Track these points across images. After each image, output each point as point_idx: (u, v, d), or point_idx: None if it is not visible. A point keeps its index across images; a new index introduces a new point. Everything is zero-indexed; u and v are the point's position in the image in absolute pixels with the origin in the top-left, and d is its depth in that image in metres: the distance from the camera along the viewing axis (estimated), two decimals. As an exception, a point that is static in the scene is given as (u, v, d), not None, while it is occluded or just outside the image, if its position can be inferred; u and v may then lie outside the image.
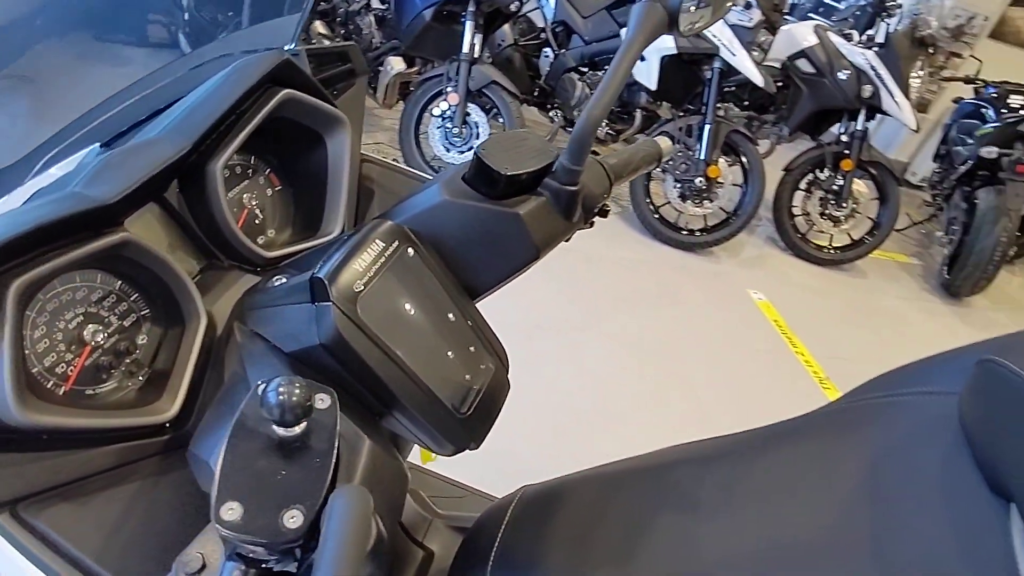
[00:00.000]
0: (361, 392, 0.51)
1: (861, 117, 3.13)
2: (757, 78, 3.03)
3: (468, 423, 0.55)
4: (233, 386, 0.49)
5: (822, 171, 3.24)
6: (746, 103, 3.45)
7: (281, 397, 0.34)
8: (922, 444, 0.53)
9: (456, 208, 0.58)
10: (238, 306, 0.59)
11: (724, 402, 2.17)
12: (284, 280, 0.56)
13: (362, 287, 0.49)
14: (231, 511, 0.33)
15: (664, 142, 0.79)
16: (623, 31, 3.05)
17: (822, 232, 3.34)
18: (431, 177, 0.80)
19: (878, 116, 3.16)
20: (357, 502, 0.31)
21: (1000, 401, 0.49)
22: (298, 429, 0.36)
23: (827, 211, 3.27)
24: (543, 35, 3.31)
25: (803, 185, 3.30)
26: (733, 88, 3.29)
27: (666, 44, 2.92)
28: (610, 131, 3.27)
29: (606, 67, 3.30)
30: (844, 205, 3.21)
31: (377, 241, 0.52)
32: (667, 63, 2.98)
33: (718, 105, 2.95)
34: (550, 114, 3.43)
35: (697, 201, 3.03)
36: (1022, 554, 0.43)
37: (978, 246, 3.18)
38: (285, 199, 0.71)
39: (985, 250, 3.17)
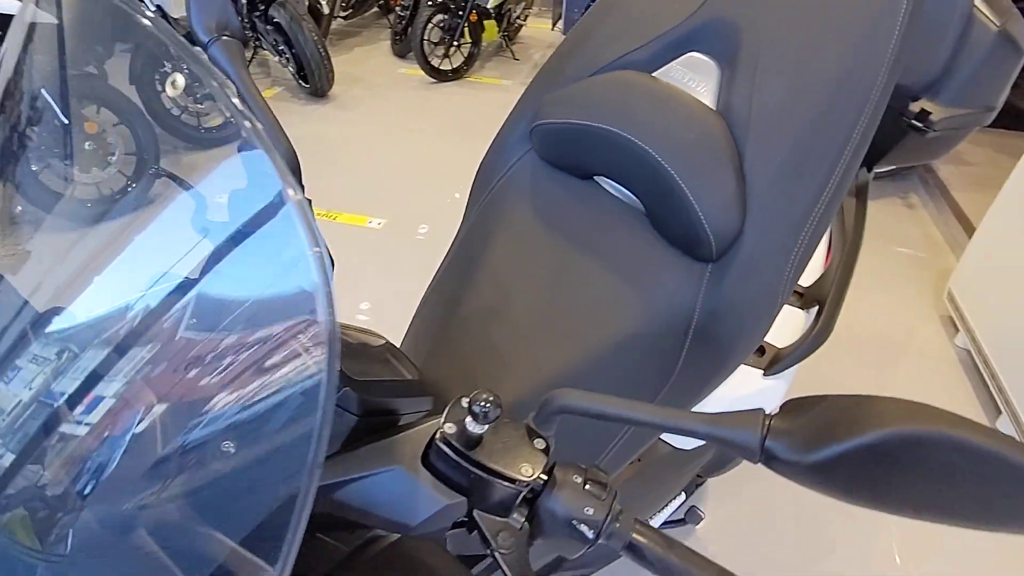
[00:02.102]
0: None
1: None
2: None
3: (424, 378, 0.69)
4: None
5: None
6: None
7: (487, 407, 0.45)
8: (548, 185, 0.92)
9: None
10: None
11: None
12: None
13: None
14: (526, 469, 0.48)
15: None
16: None
17: (209, 114, 3.40)
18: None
19: None
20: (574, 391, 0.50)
21: (559, 136, 0.88)
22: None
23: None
24: None
25: None
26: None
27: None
28: None
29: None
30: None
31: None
32: None
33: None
34: None
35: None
36: (612, 189, 0.87)
37: (307, 51, 3.74)
38: None
39: (313, 52, 3.75)
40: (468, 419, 0.46)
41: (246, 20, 3.89)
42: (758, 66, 0.74)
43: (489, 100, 4.31)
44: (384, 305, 2.35)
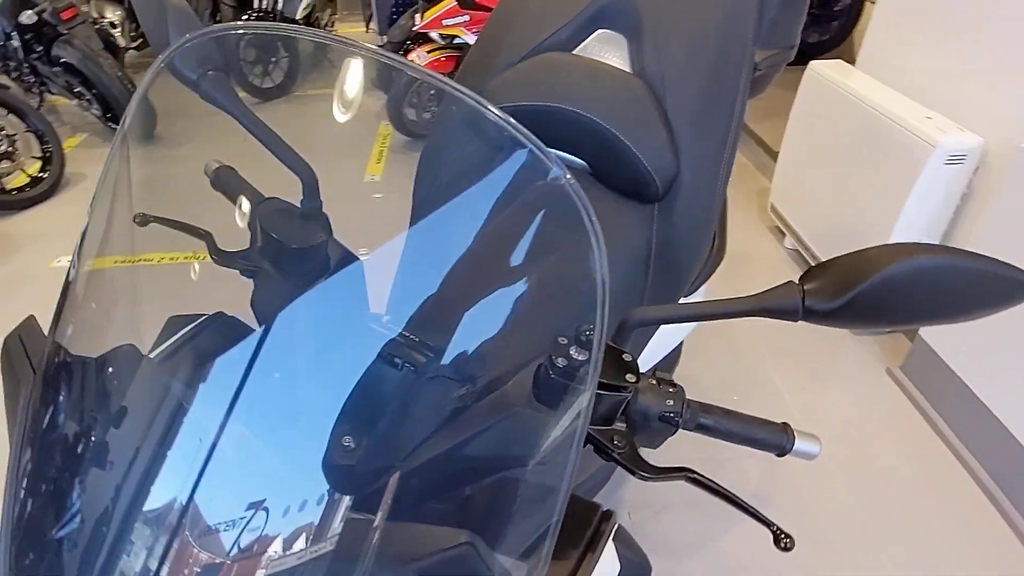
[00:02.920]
0: None
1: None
2: None
3: None
4: None
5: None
6: None
7: (591, 334, 0.53)
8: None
9: None
10: None
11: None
12: None
13: None
14: (630, 377, 0.57)
15: None
16: None
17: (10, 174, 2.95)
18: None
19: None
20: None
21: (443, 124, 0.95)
22: None
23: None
24: None
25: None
26: None
27: None
28: None
29: None
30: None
31: None
32: None
33: None
34: None
35: None
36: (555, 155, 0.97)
37: (113, 89, 3.37)
38: None
39: (120, 90, 3.39)
40: (573, 348, 0.54)
41: (25, 65, 3.40)
42: (658, 32, 0.88)
43: (325, 110, 4.18)
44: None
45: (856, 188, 2.26)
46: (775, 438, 0.60)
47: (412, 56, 3.38)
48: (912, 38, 2.24)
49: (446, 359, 0.59)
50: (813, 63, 2.53)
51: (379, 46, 4.37)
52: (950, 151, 1.88)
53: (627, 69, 0.91)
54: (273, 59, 4.26)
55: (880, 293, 0.49)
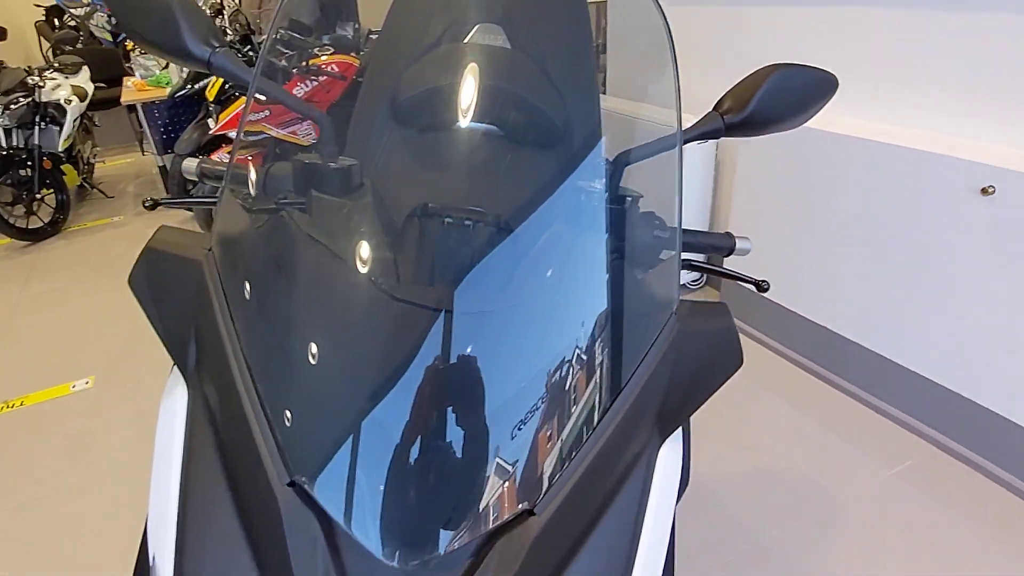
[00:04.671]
0: None
1: None
2: None
3: None
4: None
5: None
6: None
7: None
8: (426, 146, 1.12)
9: None
10: None
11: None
12: None
13: None
14: None
15: None
16: None
17: None
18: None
19: None
20: None
21: (431, 99, 1.11)
22: None
23: None
24: None
25: None
26: None
27: None
28: None
29: None
30: None
31: None
32: None
33: None
34: None
35: None
36: (475, 128, 1.15)
37: None
38: None
39: None
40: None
41: None
42: (525, 14, 1.13)
43: (111, 238, 3.80)
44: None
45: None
46: (726, 242, 0.82)
47: (215, 157, 3.30)
48: (637, 64, 2.89)
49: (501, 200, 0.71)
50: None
51: (160, 167, 4.14)
52: (697, 133, 2.46)
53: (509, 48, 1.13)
54: (38, 197, 3.79)
55: (768, 99, 0.75)
